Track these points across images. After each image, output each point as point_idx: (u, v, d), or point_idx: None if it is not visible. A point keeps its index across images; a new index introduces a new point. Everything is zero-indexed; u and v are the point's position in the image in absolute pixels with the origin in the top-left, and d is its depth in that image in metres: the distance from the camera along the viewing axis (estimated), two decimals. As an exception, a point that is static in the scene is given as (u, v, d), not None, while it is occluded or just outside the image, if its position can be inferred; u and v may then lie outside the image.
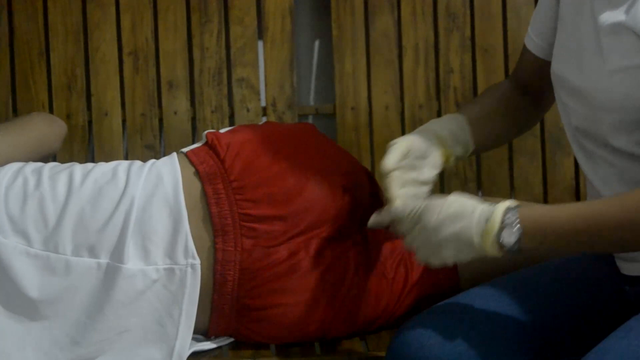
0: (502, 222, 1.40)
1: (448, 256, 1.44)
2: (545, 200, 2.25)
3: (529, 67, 1.72)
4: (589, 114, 1.50)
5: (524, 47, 1.72)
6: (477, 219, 1.41)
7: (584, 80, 1.49)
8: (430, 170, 1.64)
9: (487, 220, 1.41)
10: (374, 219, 1.57)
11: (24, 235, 1.68)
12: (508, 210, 1.40)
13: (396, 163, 1.59)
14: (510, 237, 1.39)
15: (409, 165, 1.61)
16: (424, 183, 1.62)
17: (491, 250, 1.41)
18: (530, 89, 1.74)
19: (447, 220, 1.43)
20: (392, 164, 1.59)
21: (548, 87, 1.64)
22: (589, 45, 1.49)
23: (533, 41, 1.69)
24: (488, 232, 1.40)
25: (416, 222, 1.47)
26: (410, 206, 1.49)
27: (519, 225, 1.39)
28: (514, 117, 1.75)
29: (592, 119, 1.50)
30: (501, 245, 1.40)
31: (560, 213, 1.39)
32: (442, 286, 1.77)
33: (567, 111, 1.57)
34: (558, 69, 1.57)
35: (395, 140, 1.61)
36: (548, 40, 1.65)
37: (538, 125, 2.24)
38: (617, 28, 1.43)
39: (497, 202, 1.43)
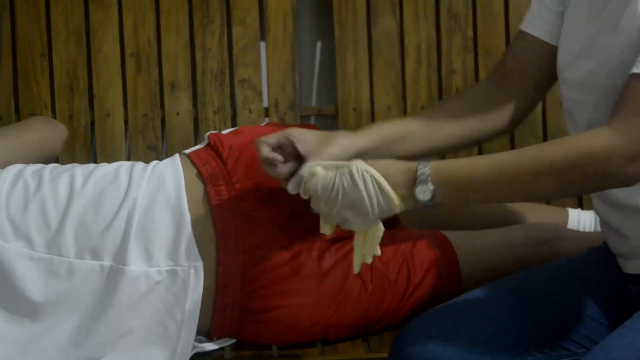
0: (415, 179, 1.39)
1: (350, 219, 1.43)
2: (546, 202, 2.24)
3: (527, 53, 1.61)
4: (598, 104, 1.45)
5: (521, 33, 1.62)
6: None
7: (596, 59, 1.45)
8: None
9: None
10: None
11: (27, 239, 1.67)
12: (419, 167, 1.39)
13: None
14: (424, 195, 1.39)
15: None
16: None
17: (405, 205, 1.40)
18: (517, 80, 1.63)
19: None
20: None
21: (541, 79, 1.60)
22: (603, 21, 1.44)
23: (533, 24, 1.60)
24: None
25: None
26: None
27: (430, 181, 1.38)
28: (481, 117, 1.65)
29: (603, 109, 1.44)
30: (417, 201, 1.39)
31: (474, 166, 1.39)
32: (445, 288, 1.77)
33: (575, 120, 1.53)
34: (565, 59, 1.53)
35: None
36: (554, 24, 1.57)
37: (539, 126, 2.24)
38: None
39: None
